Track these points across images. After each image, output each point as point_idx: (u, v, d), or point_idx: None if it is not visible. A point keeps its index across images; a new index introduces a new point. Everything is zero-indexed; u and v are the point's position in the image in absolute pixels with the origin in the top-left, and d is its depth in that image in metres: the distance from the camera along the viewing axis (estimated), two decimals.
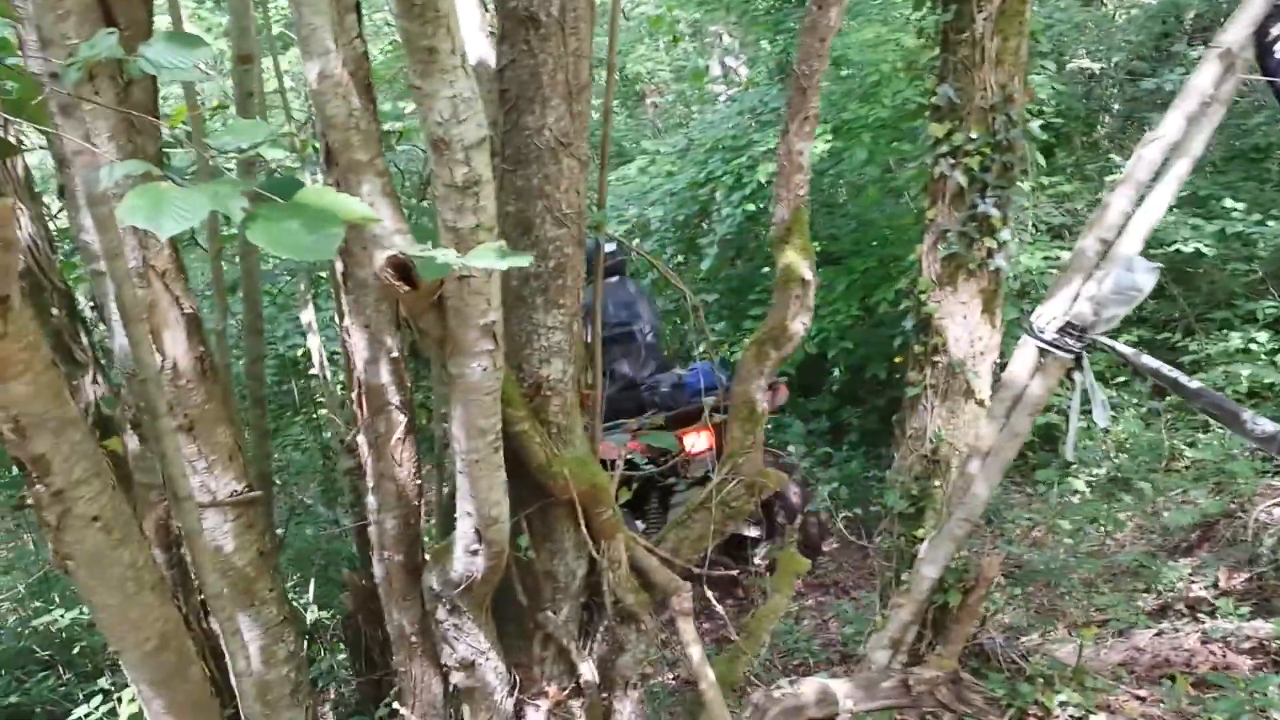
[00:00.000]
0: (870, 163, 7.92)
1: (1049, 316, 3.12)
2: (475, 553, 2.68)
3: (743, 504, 3.23)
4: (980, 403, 4.00)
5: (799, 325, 3.19)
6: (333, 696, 4.50)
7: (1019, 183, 3.90)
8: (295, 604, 4.71)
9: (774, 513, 6.11)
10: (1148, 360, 2.89)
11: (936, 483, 4.05)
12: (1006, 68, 3.79)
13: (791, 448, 6.05)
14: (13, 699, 4.47)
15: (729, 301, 9.52)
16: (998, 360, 4.08)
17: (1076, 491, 4.28)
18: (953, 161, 3.89)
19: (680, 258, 9.87)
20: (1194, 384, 2.88)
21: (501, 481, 2.54)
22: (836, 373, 8.46)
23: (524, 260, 1.64)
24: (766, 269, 9.09)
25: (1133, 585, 4.61)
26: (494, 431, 2.43)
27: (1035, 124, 3.87)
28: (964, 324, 3.99)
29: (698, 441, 5.33)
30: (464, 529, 2.64)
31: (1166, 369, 2.84)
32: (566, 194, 2.55)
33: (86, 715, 3.39)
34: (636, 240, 9.39)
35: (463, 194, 1.97)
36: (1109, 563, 4.41)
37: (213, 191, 1.42)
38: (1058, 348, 3.10)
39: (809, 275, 3.18)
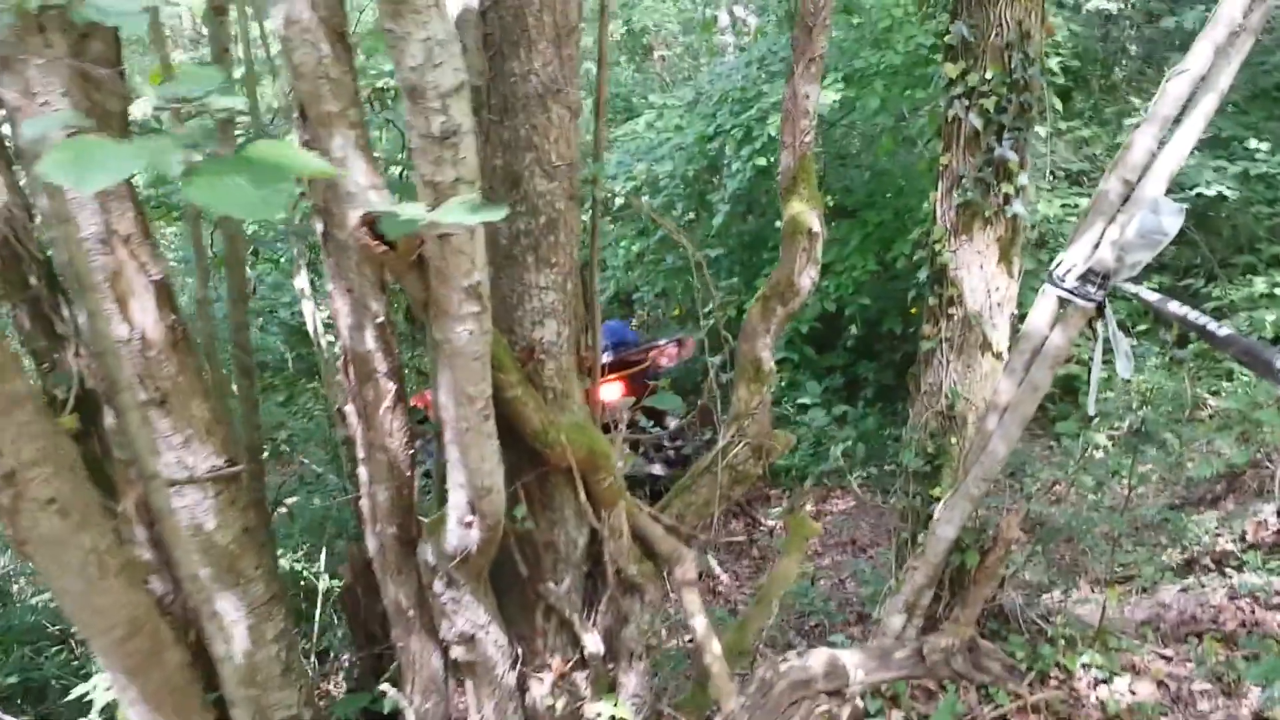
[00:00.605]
0: (883, 111, 7.71)
1: (1070, 264, 2.97)
2: (469, 525, 2.57)
3: (750, 467, 3.11)
4: (998, 355, 3.86)
5: (806, 280, 3.04)
6: (345, 665, 4.43)
7: (1036, 125, 3.72)
8: (308, 572, 4.64)
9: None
10: (1174, 306, 2.73)
11: (953, 440, 3.91)
12: (1023, 3, 3.60)
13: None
14: (26, 675, 4.41)
15: (741, 257, 9.37)
16: (1015, 311, 3.92)
17: (1098, 446, 4.13)
18: (967, 103, 3.72)
19: (691, 214, 9.70)
20: (1223, 330, 2.72)
21: (494, 450, 2.43)
22: (853, 329, 8.30)
23: (498, 214, 1.50)
24: (779, 224, 8.92)
25: (1157, 540, 4.49)
26: (483, 398, 2.31)
27: (1053, 63, 3.67)
28: (980, 274, 3.83)
29: (611, 391, 5.95)
30: (456, 500, 2.53)
31: (1194, 314, 2.68)
32: (557, 145, 2.40)
33: (84, 695, 3.30)
34: (645, 197, 9.17)
35: (440, 145, 1.84)
36: (1132, 517, 4.27)
37: (147, 145, 1.29)
38: (1079, 296, 2.95)
39: (816, 226, 3.03)
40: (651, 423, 5.73)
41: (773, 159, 8.02)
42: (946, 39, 3.77)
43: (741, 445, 3.08)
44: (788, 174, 3.02)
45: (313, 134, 2.11)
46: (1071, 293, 2.96)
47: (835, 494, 7.81)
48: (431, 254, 2.05)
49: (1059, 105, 6.88)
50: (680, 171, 9.21)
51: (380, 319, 2.55)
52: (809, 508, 3.36)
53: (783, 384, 8.57)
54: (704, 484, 3.09)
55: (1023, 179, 3.71)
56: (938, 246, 3.91)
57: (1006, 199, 3.74)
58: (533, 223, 2.45)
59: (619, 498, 2.90)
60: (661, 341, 6.98)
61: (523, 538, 2.82)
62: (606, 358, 5.91)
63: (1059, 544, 4.26)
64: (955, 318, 3.90)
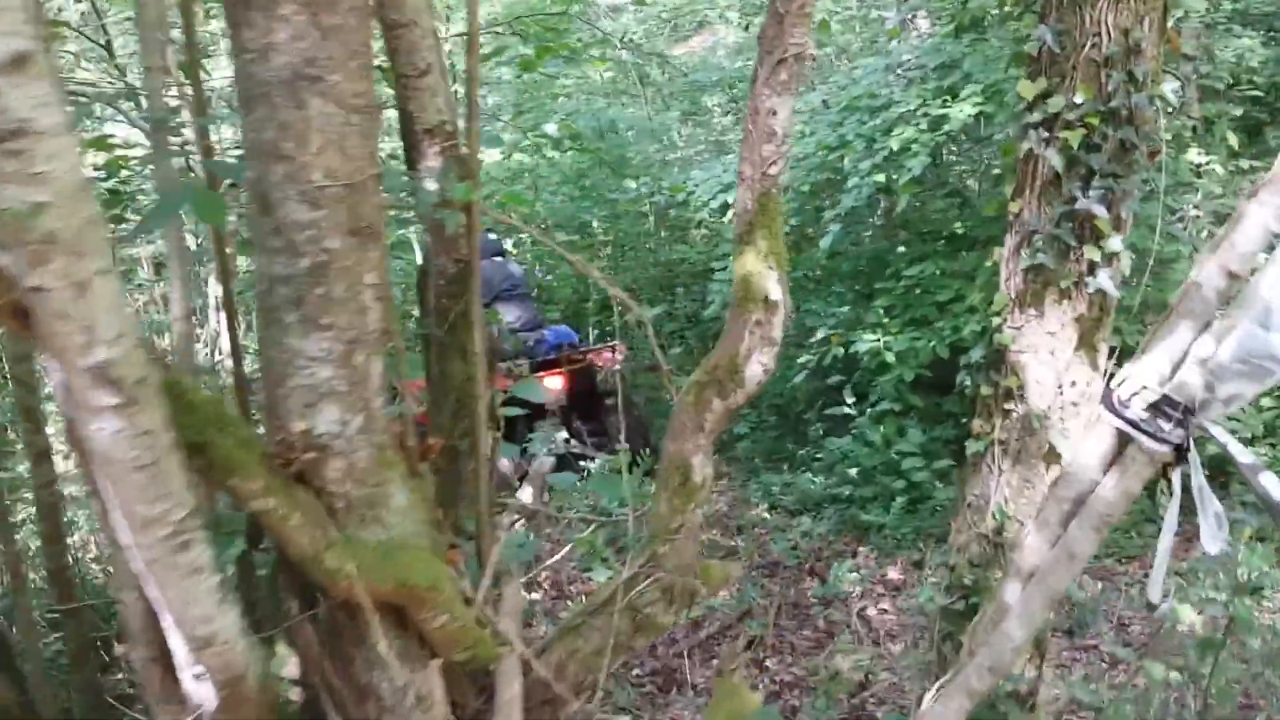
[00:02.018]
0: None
1: (1137, 384, 2.02)
2: (199, 678, 1.85)
3: (658, 614, 2.27)
4: None
5: (755, 366, 2.18)
6: None
7: (1140, 172, 2.73)
8: None
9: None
10: (1270, 484, 1.77)
11: (997, 574, 2.96)
12: (1132, 5, 2.61)
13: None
14: None
15: (854, 285, 8.40)
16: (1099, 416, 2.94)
17: (1183, 622, 3.03)
18: (1046, 135, 2.76)
19: (810, 229, 8.77)
20: None
21: (207, 590, 1.70)
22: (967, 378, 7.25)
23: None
24: (901, 247, 7.95)
25: None
26: (169, 523, 1.59)
27: (1168, 87, 2.67)
28: (1050, 362, 2.87)
29: (553, 383, 7.21)
30: (174, 645, 1.81)
31: None
32: (321, 157, 1.62)
33: None
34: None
35: None
36: None
37: None
38: (1147, 433, 2.00)
39: (776, 293, 2.17)
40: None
41: (894, 175, 7.06)
42: (1026, 46, 2.81)
43: (651, 583, 2.25)
44: (743, 218, 2.16)
45: None
46: (1137, 426, 2.01)
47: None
48: (36, 316, 1.33)
49: (1234, 141, 5.70)
50: (797, 185, 8.28)
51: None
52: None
53: (885, 433, 7.61)
54: (597, 627, 2.27)
55: (1115, 243, 2.72)
56: (996, 320, 2.96)
57: (1091, 268, 2.77)
58: (291, 267, 1.68)
59: (464, 640, 2.13)
60: (599, 346, 8.21)
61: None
62: (552, 355, 7.45)
63: None
64: (1014, 415, 2.95)
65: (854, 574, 6.96)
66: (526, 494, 3.95)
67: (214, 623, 1.73)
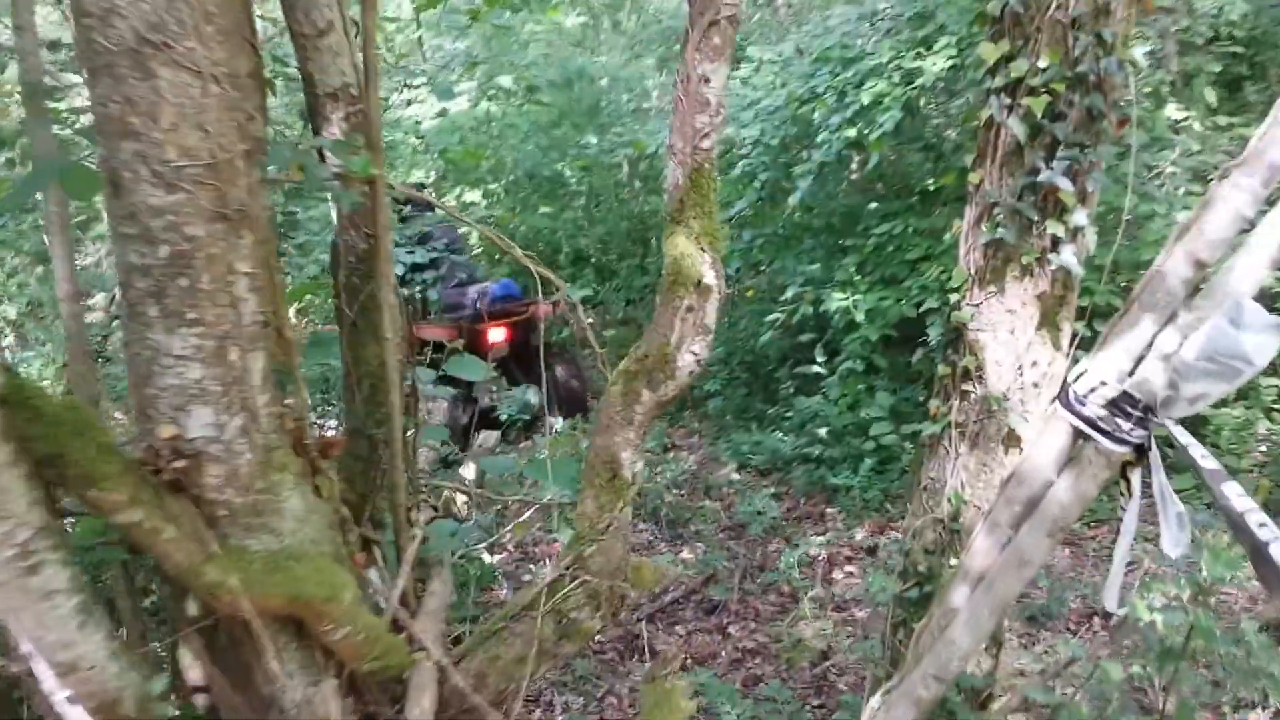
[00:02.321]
0: None
1: (1096, 378, 1.87)
2: (72, 700, 1.69)
3: (585, 620, 2.12)
4: None
5: (688, 356, 2.02)
6: None
7: (1108, 141, 2.55)
8: None
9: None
10: (1234, 494, 1.62)
11: (951, 562, 2.83)
12: None
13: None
14: None
15: (826, 241, 8.21)
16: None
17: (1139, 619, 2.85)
18: (1009, 101, 2.58)
19: (782, 183, 8.56)
20: None
21: (65, 614, 1.54)
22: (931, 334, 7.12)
23: None
24: (874, 203, 7.75)
25: None
26: (13, 545, 1.48)
27: (1139, 50, 2.48)
28: (1010, 342, 2.71)
29: (498, 334, 7.32)
30: (38, 671, 1.65)
31: (1258, 519, 1.57)
32: (177, 134, 1.44)
33: None
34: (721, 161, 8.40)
35: None
36: None
37: None
38: (1106, 432, 1.85)
39: (710, 276, 2.00)
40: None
41: (864, 130, 6.86)
42: (989, 6, 2.62)
43: (577, 585, 2.10)
44: (673, 195, 1.98)
45: None
46: (1094, 425, 1.86)
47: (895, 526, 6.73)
48: None
49: (1212, 99, 5.52)
50: (767, 138, 8.06)
51: None
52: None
53: (852, 393, 7.47)
54: (519, 633, 2.12)
55: (1080, 217, 2.55)
56: (954, 297, 2.80)
57: (1054, 243, 2.60)
58: (149, 256, 1.50)
59: (370, 650, 1.98)
60: (540, 300, 8.33)
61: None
62: (496, 307, 7.45)
63: None
64: (972, 396, 2.80)
65: (820, 537, 6.87)
66: (470, 470, 3.81)
67: (76, 648, 1.58)
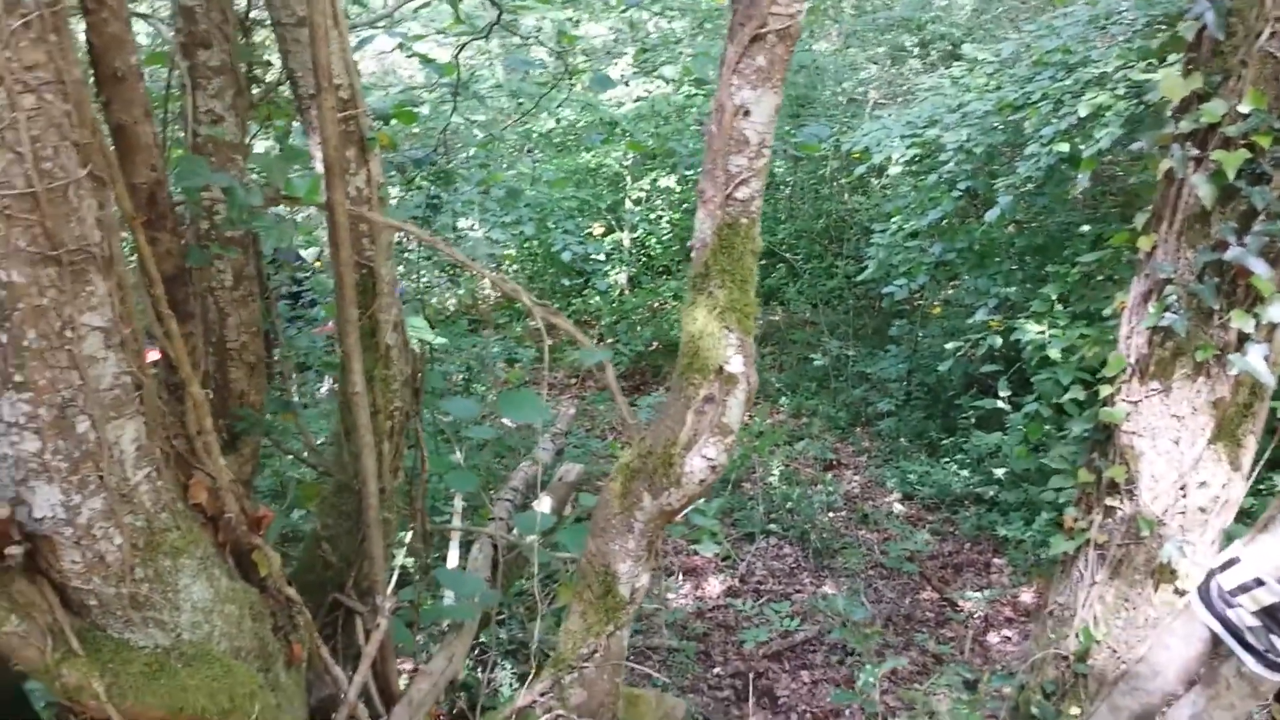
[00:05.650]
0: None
1: (1250, 572, 1.34)
2: None
3: None
4: (1181, 594, 2.17)
5: (699, 461, 1.59)
6: None
7: None
8: None
9: None
10: None
11: (1074, 710, 2.29)
12: None
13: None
14: None
15: (1027, 263, 7.46)
16: (1228, 529, 2.19)
17: None
18: (1196, 153, 1.99)
19: (980, 193, 7.82)
20: None
21: None
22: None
23: None
24: (1085, 226, 6.95)
25: None
26: None
27: None
28: (1173, 454, 2.13)
29: None
30: None
31: None
32: None
33: None
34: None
35: None
36: None
37: None
38: (1252, 650, 1.32)
39: (738, 364, 1.56)
40: None
41: (1079, 143, 6.12)
42: (1181, 27, 2.02)
43: (552, 718, 1.71)
44: (699, 255, 1.55)
45: None
46: (1239, 638, 1.34)
47: None
48: None
49: None
50: (972, 144, 7.35)
51: None
52: None
53: (1033, 437, 6.79)
54: None
55: (1276, 311, 1.95)
56: (1107, 389, 2.23)
57: (1240, 340, 2.01)
58: None
59: None
60: None
61: None
62: None
63: None
64: (1119, 514, 2.23)
65: (979, 593, 6.25)
66: (546, 504, 3.47)
67: None
